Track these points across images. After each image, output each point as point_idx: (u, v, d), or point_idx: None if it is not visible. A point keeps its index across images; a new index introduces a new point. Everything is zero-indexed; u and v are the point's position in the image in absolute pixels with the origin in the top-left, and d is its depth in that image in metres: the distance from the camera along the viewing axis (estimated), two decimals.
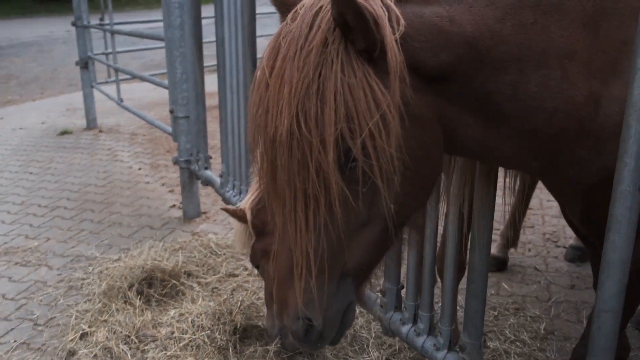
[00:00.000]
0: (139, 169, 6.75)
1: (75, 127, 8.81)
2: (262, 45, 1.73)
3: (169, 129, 5.36)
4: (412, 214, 1.69)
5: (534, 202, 5.50)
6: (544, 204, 5.52)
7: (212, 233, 4.83)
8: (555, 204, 5.55)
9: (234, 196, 4.20)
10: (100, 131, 8.56)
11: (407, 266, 2.67)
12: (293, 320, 1.64)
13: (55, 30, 24.18)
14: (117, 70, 7.70)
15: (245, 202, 2.87)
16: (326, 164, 1.41)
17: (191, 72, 4.79)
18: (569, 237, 4.76)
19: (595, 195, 1.87)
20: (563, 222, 5.19)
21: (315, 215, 1.49)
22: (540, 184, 4.37)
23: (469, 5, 1.55)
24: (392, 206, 1.53)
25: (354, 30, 1.39)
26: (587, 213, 1.98)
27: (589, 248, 2.74)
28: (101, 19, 8.57)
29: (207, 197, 5.65)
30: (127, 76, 8.53)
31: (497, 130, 1.67)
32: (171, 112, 5.02)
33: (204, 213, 5.35)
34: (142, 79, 6.40)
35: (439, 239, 2.69)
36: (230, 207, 2.92)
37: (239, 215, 2.83)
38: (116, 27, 8.08)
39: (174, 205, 5.57)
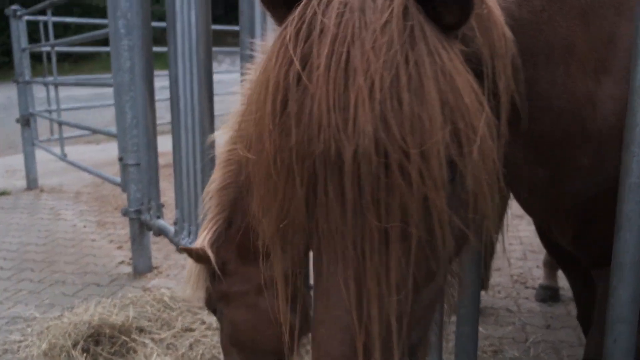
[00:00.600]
0: (84, 226, 6.35)
1: (14, 188, 8.33)
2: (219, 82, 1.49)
3: (115, 178, 5.07)
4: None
5: (497, 245, 5.42)
6: (507, 247, 5.44)
7: (165, 288, 4.49)
8: (518, 245, 5.49)
9: (190, 243, 3.92)
10: (42, 191, 8.11)
11: None
12: None
13: None
14: (60, 123, 7.38)
15: (202, 241, 2.64)
16: (433, 187, 0.99)
17: (142, 117, 4.56)
18: (537, 278, 4.68)
19: (593, 210, 1.75)
20: (528, 263, 5.13)
21: (401, 265, 1.05)
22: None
23: None
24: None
25: None
26: (582, 230, 1.85)
27: (570, 274, 2.61)
28: (45, 85, 8.31)
29: (158, 252, 5.31)
30: (71, 134, 8.21)
31: (510, 135, 1.50)
32: (120, 159, 4.76)
33: (156, 268, 4.99)
34: (89, 129, 6.12)
35: None
36: (189, 247, 2.67)
37: (199, 255, 2.58)
38: (59, 79, 7.82)
39: (122, 262, 5.20)
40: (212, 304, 2.67)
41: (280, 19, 1.17)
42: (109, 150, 9.97)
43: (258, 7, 2.91)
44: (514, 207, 4.55)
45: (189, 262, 2.72)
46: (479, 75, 1.11)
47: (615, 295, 1.55)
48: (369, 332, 1.05)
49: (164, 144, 4.81)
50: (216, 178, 2.66)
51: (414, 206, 1.00)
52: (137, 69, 4.50)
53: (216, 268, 2.54)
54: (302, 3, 1.09)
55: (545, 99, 1.49)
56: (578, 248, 1.89)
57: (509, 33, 1.23)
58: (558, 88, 1.50)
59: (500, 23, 1.20)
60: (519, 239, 5.68)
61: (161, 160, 4.81)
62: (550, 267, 4.30)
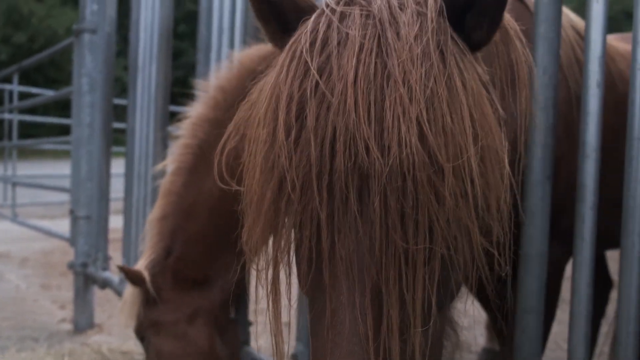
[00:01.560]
0: (27, 288, 6.16)
1: None
2: None
3: (66, 234, 5.05)
4: None
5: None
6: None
7: (106, 343, 4.37)
8: (464, 318, 5.54)
9: None
10: None
11: None
12: None
13: None
14: (14, 184, 7.33)
15: (140, 266, 2.66)
16: (464, 206, 0.95)
17: (97, 171, 4.64)
18: (480, 344, 4.74)
19: None
20: (473, 332, 5.19)
21: (426, 292, 0.97)
22: None
23: None
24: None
25: (475, 11, 1.03)
26: None
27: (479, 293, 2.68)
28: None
29: (102, 310, 5.19)
30: (24, 201, 8.15)
31: None
32: (71, 212, 4.76)
33: (98, 325, 4.86)
34: (43, 187, 6.11)
35: None
36: (126, 266, 2.69)
37: (135, 276, 2.59)
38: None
39: (64, 319, 5.05)
40: (142, 331, 2.66)
41: (271, 34, 1.18)
42: (63, 226, 9.83)
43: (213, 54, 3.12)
44: None
45: (125, 291, 2.72)
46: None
47: (523, 287, 1.67)
48: None
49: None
50: (157, 207, 2.73)
51: (443, 225, 0.94)
52: (96, 123, 4.63)
53: (151, 289, 2.55)
54: (315, 15, 1.07)
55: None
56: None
57: (528, 56, 1.26)
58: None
59: (520, 44, 1.23)
60: (465, 312, 5.76)
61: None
62: (492, 330, 4.39)
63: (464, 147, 0.95)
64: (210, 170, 2.25)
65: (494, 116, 1.05)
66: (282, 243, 1.04)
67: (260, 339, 4.36)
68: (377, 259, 0.95)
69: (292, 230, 1.03)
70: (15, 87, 7.98)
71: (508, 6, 1.70)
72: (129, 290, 2.65)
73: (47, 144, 9.35)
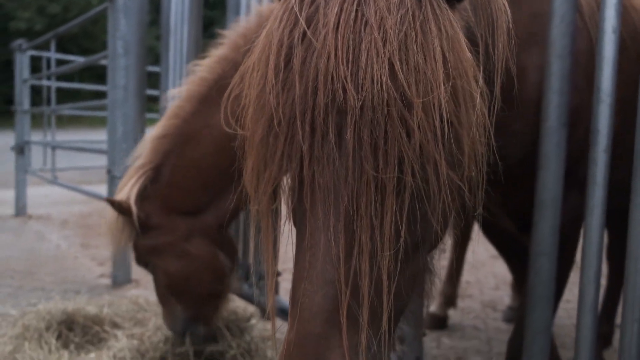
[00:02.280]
0: (68, 247, 6.44)
1: (2, 214, 8.43)
2: None
3: (103, 194, 5.24)
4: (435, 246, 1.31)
5: (470, 277, 5.55)
6: (481, 279, 5.57)
7: (143, 296, 4.58)
8: (492, 279, 5.61)
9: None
10: (30, 217, 8.22)
11: None
12: None
13: None
14: (54, 148, 7.59)
15: (127, 193, 2.69)
16: (432, 138, 1.03)
17: (132, 132, 4.79)
18: (507, 304, 4.79)
19: (518, 172, 1.94)
20: (500, 292, 5.25)
21: (395, 219, 1.05)
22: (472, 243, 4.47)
23: None
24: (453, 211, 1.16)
25: None
26: (509, 193, 2.04)
27: (511, 260, 2.74)
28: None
29: (138, 268, 5.40)
30: (64, 165, 8.42)
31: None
32: (108, 172, 4.94)
33: (135, 280, 5.09)
34: (81, 149, 6.32)
35: None
36: (112, 198, 2.73)
37: (122, 207, 2.64)
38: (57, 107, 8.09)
39: (102, 275, 5.29)
40: (142, 258, 2.76)
41: None
42: (101, 191, 10.12)
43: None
44: (490, 248, 4.74)
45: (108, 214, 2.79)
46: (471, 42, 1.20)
47: (536, 230, 1.73)
48: (356, 288, 1.03)
49: None
50: (158, 127, 2.77)
51: (411, 156, 1.03)
52: (130, 86, 4.76)
53: (136, 222, 2.62)
54: None
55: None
56: (508, 212, 2.07)
57: (505, 3, 1.35)
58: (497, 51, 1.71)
59: None
60: (493, 273, 5.82)
61: None
62: (518, 290, 4.44)
63: (434, 85, 1.03)
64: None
65: (471, 60, 1.12)
66: (272, 174, 1.13)
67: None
68: (350, 186, 1.04)
69: (281, 163, 1.12)
70: (53, 55, 8.18)
71: None
72: (113, 215, 2.70)
73: (84, 110, 9.61)
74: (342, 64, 1.03)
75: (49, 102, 8.34)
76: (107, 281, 5.09)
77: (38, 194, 9.38)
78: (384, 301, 1.06)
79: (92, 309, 3.65)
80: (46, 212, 8.70)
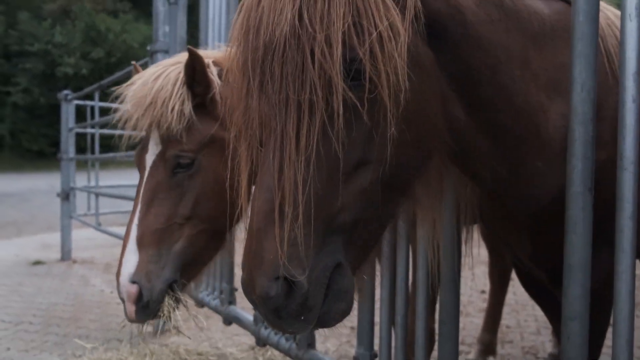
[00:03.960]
0: (111, 292, 6.60)
1: (48, 259, 8.71)
2: None
3: None
4: (405, 182, 1.54)
5: (511, 320, 5.46)
6: (522, 323, 5.47)
7: (183, 344, 4.66)
8: (533, 322, 5.50)
9: (277, 338, 3.38)
10: (74, 262, 8.46)
11: (380, 332, 2.62)
12: (270, 279, 1.32)
13: (39, 183, 24.69)
14: (97, 195, 7.84)
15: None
16: (331, 63, 1.30)
17: None
18: (549, 350, 4.69)
19: (546, 220, 1.96)
20: (541, 337, 5.14)
21: (310, 134, 1.33)
22: (513, 284, 4.42)
23: None
24: (390, 146, 1.38)
25: None
26: (538, 242, 2.05)
27: (547, 308, 2.71)
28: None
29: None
30: (107, 210, 8.68)
31: (476, 119, 1.74)
32: None
33: (176, 328, 5.17)
34: (126, 198, 6.52)
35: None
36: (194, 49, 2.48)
37: (200, 62, 2.44)
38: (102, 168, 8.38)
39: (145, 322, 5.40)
40: (194, 152, 2.44)
41: None
42: None
43: None
44: None
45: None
46: None
47: (567, 295, 1.73)
48: (284, 191, 1.33)
49: None
50: None
51: (319, 82, 1.32)
52: None
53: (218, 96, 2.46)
54: None
55: (506, 91, 1.76)
56: (538, 263, 2.09)
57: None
58: (515, 86, 1.78)
59: None
60: (535, 316, 5.71)
61: None
62: (559, 338, 4.34)
63: (335, 22, 1.32)
64: None
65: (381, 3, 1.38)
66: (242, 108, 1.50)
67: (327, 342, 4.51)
68: (281, 111, 1.36)
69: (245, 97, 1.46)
70: (97, 103, 8.52)
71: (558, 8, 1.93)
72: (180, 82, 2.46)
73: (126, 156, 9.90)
74: (269, 16, 1.38)
75: (92, 149, 8.66)
76: (149, 329, 5.18)
77: (82, 237, 9.66)
78: (307, 202, 1.33)
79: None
80: (90, 255, 8.95)
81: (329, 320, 1.43)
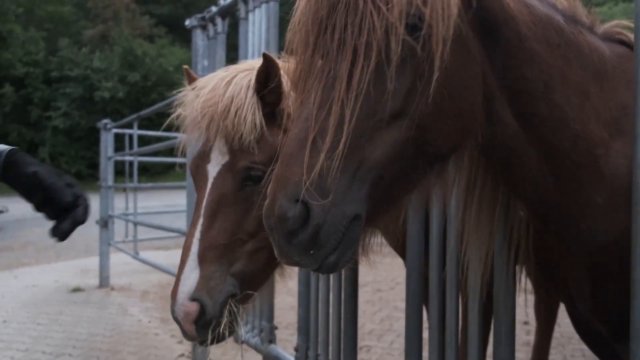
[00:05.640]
0: (149, 322, 6.63)
1: (87, 285, 8.81)
2: None
3: None
4: (436, 153, 1.58)
5: (557, 355, 5.28)
6: (568, 359, 5.29)
7: None
8: (581, 358, 5.30)
9: None
10: (112, 289, 8.54)
11: None
12: (291, 200, 1.35)
13: None
14: (135, 224, 7.92)
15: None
16: (394, 13, 1.41)
17: None
18: None
19: (607, 262, 1.88)
20: None
21: (363, 74, 1.41)
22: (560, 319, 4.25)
23: None
24: (423, 103, 1.45)
25: None
26: (598, 287, 1.96)
27: (598, 351, 2.59)
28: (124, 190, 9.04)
29: (216, 347, 5.47)
30: (144, 237, 8.77)
31: (528, 131, 1.75)
32: None
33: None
34: (162, 228, 6.57)
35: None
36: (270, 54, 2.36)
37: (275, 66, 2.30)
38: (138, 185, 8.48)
39: (182, 355, 5.39)
40: (255, 166, 2.27)
41: None
42: (176, 256, 10.44)
43: None
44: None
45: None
46: None
47: (633, 312, 1.63)
48: (323, 128, 1.40)
49: None
50: None
51: (379, 25, 1.42)
52: None
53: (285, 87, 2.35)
54: None
55: (563, 114, 1.75)
56: (597, 312, 1.98)
57: None
58: (574, 112, 1.76)
59: None
60: (582, 351, 5.51)
61: None
62: None
63: None
64: None
65: None
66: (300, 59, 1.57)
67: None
68: (336, 54, 1.45)
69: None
70: (135, 132, 8.66)
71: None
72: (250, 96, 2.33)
73: (163, 187, 10.08)
74: None
75: (131, 177, 8.78)
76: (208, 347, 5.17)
77: (120, 261, 9.76)
78: (345, 139, 1.38)
79: None
80: (128, 282, 9.03)
81: (334, 264, 1.44)
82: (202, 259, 2.20)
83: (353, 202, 1.41)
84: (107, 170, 8.74)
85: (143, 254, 10.66)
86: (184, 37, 44.19)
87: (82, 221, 1.77)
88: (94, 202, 8.97)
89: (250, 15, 4.24)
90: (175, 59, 41.13)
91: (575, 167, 1.81)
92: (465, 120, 1.62)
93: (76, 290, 8.46)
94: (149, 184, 7.66)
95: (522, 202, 1.98)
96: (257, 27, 4.15)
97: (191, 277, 2.19)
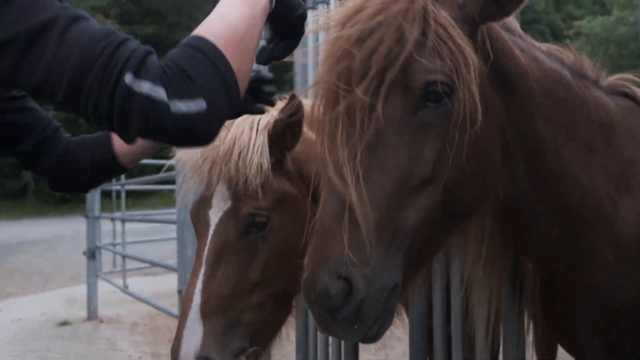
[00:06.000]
0: (139, 357, 6.49)
1: (75, 317, 8.64)
2: None
3: (173, 310, 5.29)
4: (461, 214, 1.60)
5: None
6: None
7: None
8: None
9: None
10: (101, 322, 8.38)
11: None
12: (333, 277, 1.35)
13: (63, 229, 24.88)
14: (124, 257, 7.80)
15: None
16: (417, 84, 1.44)
17: None
18: None
19: (622, 319, 1.85)
20: None
21: (392, 143, 1.44)
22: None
23: (529, 42, 1.81)
24: (452, 167, 1.47)
25: None
26: (611, 346, 1.92)
27: None
28: (112, 220, 8.92)
29: None
30: (132, 267, 8.64)
31: (539, 188, 1.74)
32: (179, 292, 4.99)
33: None
34: (151, 263, 6.47)
35: None
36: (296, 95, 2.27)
37: (297, 106, 2.21)
38: (127, 215, 8.38)
39: None
40: (267, 210, 2.20)
41: None
42: (165, 283, 10.34)
43: None
44: None
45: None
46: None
47: None
48: (358, 194, 1.40)
49: None
50: None
51: (405, 99, 1.47)
52: None
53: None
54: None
55: (569, 169, 1.75)
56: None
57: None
58: (580, 168, 1.76)
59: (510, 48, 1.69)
60: None
61: None
62: None
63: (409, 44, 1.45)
64: None
65: (470, 50, 1.50)
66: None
67: None
68: (364, 122, 1.46)
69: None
70: None
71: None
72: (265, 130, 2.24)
73: (155, 216, 9.96)
74: (379, 35, 1.47)
75: (119, 207, 8.66)
76: None
77: (108, 290, 9.52)
78: (379, 209, 1.40)
79: None
80: (116, 313, 8.86)
81: (376, 335, 1.46)
82: (205, 312, 2.08)
83: (391, 272, 1.42)
84: (93, 200, 8.62)
85: (131, 281, 10.50)
86: None
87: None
88: (80, 223, 8.75)
89: None
90: None
91: (584, 224, 1.80)
92: (489, 178, 1.63)
93: (64, 323, 8.29)
94: (138, 213, 7.55)
95: (531, 256, 1.97)
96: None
97: (196, 332, 2.06)
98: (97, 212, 8.63)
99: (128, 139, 1.24)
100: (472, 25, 1.55)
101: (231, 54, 1.25)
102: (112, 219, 8.72)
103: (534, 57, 1.76)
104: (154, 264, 6.49)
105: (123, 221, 8.23)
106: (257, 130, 2.24)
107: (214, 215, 2.19)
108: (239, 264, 2.15)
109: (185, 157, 2.33)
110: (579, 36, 31.85)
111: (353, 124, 1.45)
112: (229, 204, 2.18)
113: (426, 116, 1.46)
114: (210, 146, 2.13)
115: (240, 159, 2.14)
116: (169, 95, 1.17)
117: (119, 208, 8.65)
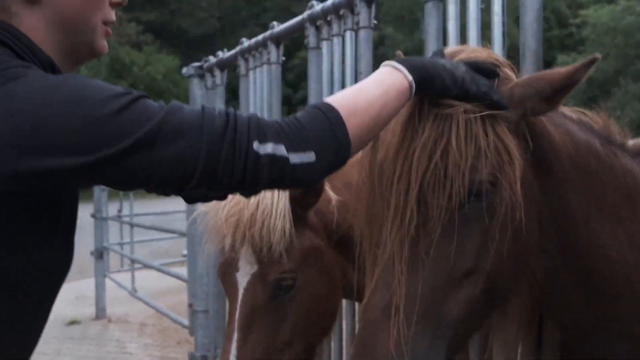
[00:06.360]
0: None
1: (83, 316, 8.74)
2: None
3: (183, 320, 5.38)
4: (499, 297, 1.63)
5: None
6: None
7: None
8: None
9: None
10: (109, 321, 8.49)
11: None
12: None
13: None
14: (133, 260, 7.89)
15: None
16: (458, 187, 1.44)
17: (213, 266, 4.93)
18: None
19: None
20: None
21: (432, 240, 1.47)
22: None
23: (561, 113, 1.78)
24: (493, 258, 1.49)
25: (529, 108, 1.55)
26: None
27: None
28: (119, 211, 9.00)
29: None
30: (140, 266, 8.73)
31: (570, 262, 1.73)
32: (190, 306, 5.08)
33: None
34: (160, 270, 6.55)
35: None
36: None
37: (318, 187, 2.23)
38: (135, 220, 8.45)
39: None
40: (293, 272, 2.24)
41: None
42: (172, 281, 10.38)
43: None
44: None
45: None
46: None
47: None
48: (403, 290, 1.43)
49: None
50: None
51: (447, 197, 1.47)
52: None
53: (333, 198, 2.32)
54: None
55: (598, 240, 1.74)
56: None
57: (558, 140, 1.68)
58: (608, 239, 1.75)
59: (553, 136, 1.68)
60: None
61: None
62: None
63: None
64: None
65: (514, 153, 1.50)
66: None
67: None
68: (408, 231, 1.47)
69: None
70: None
71: None
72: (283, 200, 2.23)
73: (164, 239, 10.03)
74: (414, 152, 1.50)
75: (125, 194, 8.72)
76: None
77: (116, 286, 9.63)
78: (423, 302, 1.43)
79: None
80: (124, 311, 8.96)
81: None
82: None
83: (435, 357, 1.47)
84: (100, 201, 8.69)
85: (138, 275, 10.57)
86: (171, 43, 44.03)
87: None
88: (88, 208, 8.83)
89: (251, 73, 4.19)
90: (162, 66, 40.93)
91: (614, 296, 1.79)
92: (528, 260, 1.64)
93: (73, 322, 8.40)
94: (146, 213, 7.63)
95: (558, 328, 1.96)
96: (259, 86, 4.09)
97: None
98: (104, 213, 8.71)
99: (250, 195, 1.42)
100: (517, 122, 1.57)
101: (352, 123, 1.40)
102: (120, 222, 8.78)
103: (567, 130, 1.74)
104: (162, 272, 6.57)
105: (132, 225, 8.29)
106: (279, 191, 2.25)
107: (242, 278, 2.24)
108: (270, 326, 2.21)
109: (208, 223, 2.37)
110: (586, 25, 31.65)
111: (403, 218, 1.49)
112: (255, 268, 2.23)
113: (469, 211, 1.49)
114: (233, 210, 2.21)
115: (264, 225, 2.17)
116: (287, 149, 1.33)
117: (126, 198, 8.69)
